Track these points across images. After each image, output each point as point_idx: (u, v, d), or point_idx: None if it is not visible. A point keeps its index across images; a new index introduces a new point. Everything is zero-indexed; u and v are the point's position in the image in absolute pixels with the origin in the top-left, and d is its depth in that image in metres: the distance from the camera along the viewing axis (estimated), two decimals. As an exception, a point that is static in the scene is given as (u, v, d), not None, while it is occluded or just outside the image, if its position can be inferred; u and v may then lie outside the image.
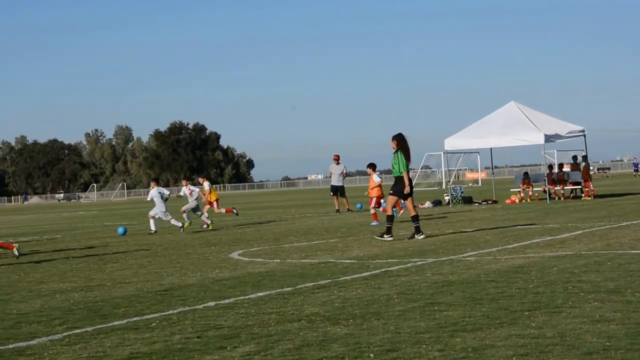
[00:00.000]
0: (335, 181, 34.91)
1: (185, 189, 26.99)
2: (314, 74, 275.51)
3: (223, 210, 28.62)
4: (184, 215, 26.15)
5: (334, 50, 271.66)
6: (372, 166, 25.53)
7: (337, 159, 35.27)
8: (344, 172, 35.65)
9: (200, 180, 28.94)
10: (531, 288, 10.23)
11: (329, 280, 11.95)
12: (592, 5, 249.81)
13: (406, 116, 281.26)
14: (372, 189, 25.49)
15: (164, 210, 25.55)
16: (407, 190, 18.23)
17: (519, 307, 8.97)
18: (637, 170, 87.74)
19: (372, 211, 25.33)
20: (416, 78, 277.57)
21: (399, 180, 18.29)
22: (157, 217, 25.76)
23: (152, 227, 25.58)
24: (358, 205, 37.13)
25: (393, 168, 18.47)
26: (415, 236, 18.13)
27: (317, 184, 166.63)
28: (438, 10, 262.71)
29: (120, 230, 25.80)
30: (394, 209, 19.15)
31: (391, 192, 18.45)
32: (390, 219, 18.39)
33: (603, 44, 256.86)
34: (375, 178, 25.51)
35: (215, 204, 27.73)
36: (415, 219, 18.34)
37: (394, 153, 18.35)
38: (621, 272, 11.26)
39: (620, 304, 8.85)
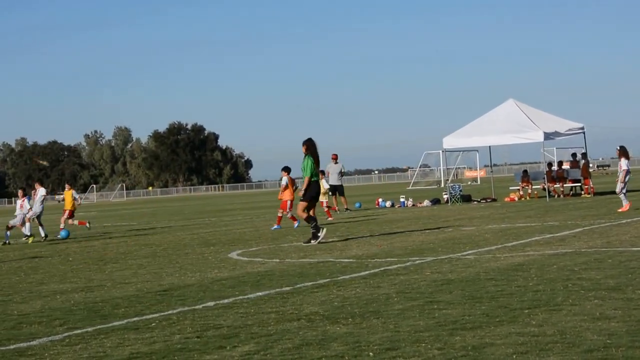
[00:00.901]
0: (334, 180, 34.92)
1: (19, 202, 26.38)
2: (313, 74, 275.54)
3: (76, 222, 28.31)
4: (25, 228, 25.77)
5: (332, 50, 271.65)
6: (287, 169, 25.16)
7: (335, 158, 35.31)
8: (342, 171, 35.70)
9: (67, 187, 28.68)
10: (531, 286, 10.22)
11: (328, 280, 11.95)
12: (591, 1, 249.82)
13: (405, 115, 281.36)
14: (284, 192, 25.08)
15: (39, 213, 25.28)
16: (300, 193, 18.72)
17: (518, 305, 8.96)
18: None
19: (279, 214, 25.02)
20: (415, 76, 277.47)
21: (308, 185, 18.31)
22: (32, 219, 25.30)
23: (27, 232, 25.23)
24: (357, 204, 37.15)
25: (303, 172, 18.53)
26: (312, 241, 18.07)
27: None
28: (436, 7, 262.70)
29: (63, 233, 25.31)
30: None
31: (302, 198, 18.46)
32: (310, 219, 18.25)
33: (602, 40, 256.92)
34: (284, 181, 25.16)
35: (68, 213, 27.49)
36: (312, 220, 18.27)
37: (304, 158, 18.44)
38: (622, 269, 11.26)
39: (621, 301, 8.84)
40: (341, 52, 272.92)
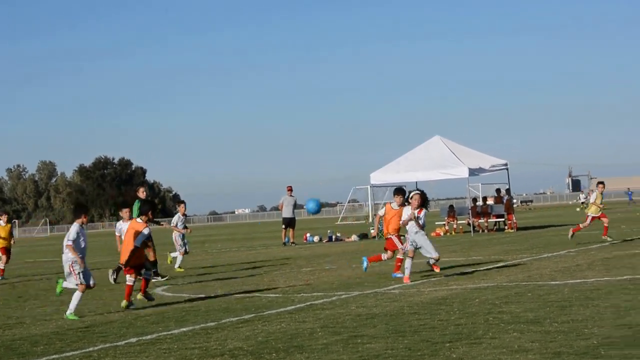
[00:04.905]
0: (288, 213, 34.75)
1: None
2: (240, 108, 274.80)
3: None
4: None
5: (258, 84, 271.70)
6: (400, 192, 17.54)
7: (290, 190, 35.20)
8: (296, 203, 35.86)
9: None
10: (453, 320, 10.35)
11: (253, 315, 11.93)
12: (511, 38, 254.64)
13: (334, 150, 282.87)
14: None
15: None
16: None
17: (440, 338, 9.07)
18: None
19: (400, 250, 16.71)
20: (343, 112, 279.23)
21: None
22: None
23: None
24: (286, 239, 37.09)
25: None
26: None
27: (244, 218, 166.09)
28: (364, 41, 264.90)
29: (312, 206, 18.90)
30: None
31: None
32: None
33: (523, 77, 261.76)
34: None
35: None
36: None
37: None
38: (540, 302, 11.48)
39: (539, 334, 9.02)
40: (267, 87, 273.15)
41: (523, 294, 12.57)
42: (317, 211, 17.43)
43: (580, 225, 24.44)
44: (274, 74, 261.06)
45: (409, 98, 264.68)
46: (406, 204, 16.36)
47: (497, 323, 9.89)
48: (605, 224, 24.18)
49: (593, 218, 24.29)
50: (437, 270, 16.06)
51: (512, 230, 35.40)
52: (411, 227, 15.91)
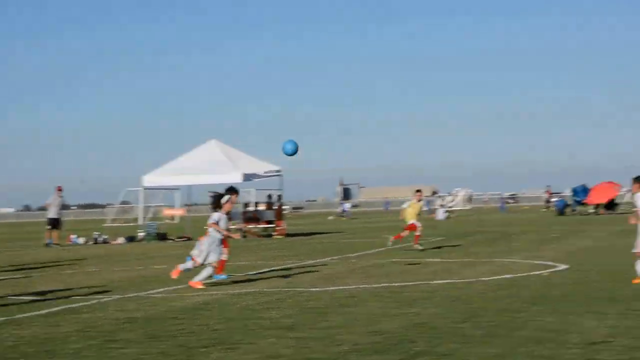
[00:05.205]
0: (55, 213, 33.86)
1: None
2: (6, 105, 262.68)
3: None
4: None
5: (24, 80, 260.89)
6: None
7: (60, 190, 34.27)
8: (63, 204, 35.01)
9: None
10: (212, 324, 10.36)
11: (4, 318, 11.41)
12: (290, 45, 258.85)
13: (108, 151, 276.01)
14: None
15: None
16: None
17: (196, 343, 9.04)
18: None
19: None
20: (118, 115, 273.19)
21: None
22: None
23: None
24: (49, 241, 35.88)
25: None
26: None
27: (8, 218, 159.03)
28: (148, 47, 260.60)
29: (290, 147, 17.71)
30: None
31: None
32: None
33: (296, 87, 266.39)
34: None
35: None
36: None
37: None
38: (299, 309, 11.70)
39: (295, 340, 9.18)
40: (35, 83, 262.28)
41: (284, 300, 12.78)
42: (294, 152, 16.58)
43: (404, 234, 24.27)
44: (39, 70, 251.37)
45: (186, 100, 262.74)
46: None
47: (256, 328, 9.99)
48: (402, 234, 24.15)
49: (411, 225, 24.03)
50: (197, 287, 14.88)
51: (281, 237, 35.98)
52: (216, 235, 15.48)
